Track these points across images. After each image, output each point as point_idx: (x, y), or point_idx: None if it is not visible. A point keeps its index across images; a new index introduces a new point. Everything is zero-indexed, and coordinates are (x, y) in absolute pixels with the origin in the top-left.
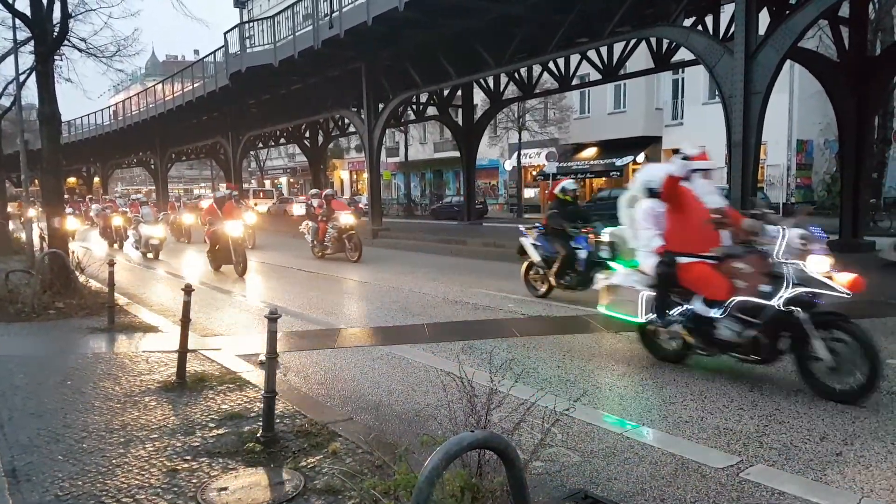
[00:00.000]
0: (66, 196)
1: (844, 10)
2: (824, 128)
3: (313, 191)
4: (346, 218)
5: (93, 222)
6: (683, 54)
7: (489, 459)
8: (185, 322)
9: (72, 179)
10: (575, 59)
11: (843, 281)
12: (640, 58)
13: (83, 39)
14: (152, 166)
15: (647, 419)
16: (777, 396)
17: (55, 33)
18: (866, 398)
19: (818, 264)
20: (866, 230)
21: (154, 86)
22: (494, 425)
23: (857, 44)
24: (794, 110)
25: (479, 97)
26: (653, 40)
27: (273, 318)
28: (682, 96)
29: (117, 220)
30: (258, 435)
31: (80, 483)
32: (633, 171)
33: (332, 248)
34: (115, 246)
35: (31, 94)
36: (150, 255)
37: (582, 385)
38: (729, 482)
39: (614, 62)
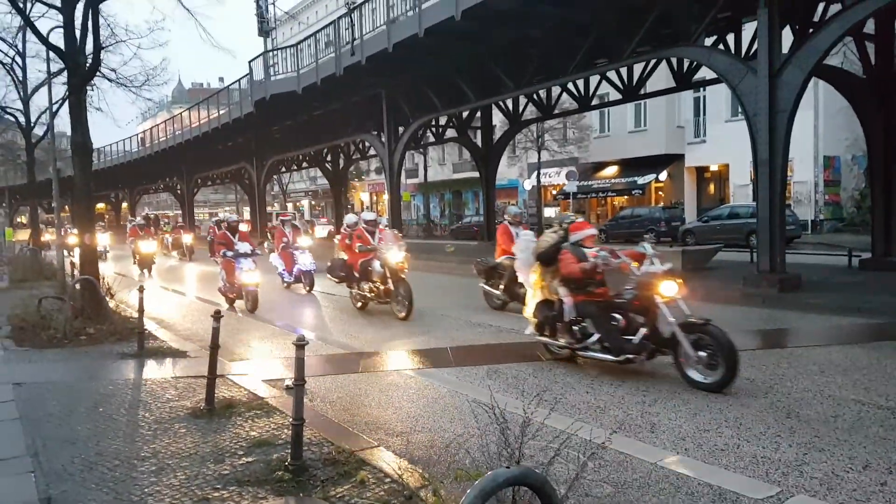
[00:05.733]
0: (141, 222)
1: (869, 27)
2: (851, 143)
3: (352, 217)
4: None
5: (182, 251)
6: (705, 72)
7: (524, 494)
8: (215, 348)
9: (100, 205)
10: (594, 79)
11: None
12: (661, 77)
13: (113, 70)
14: (179, 191)
15: (682, 448)
16: (816, 423)
17: (87, 65)
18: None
19: None
20: None
21: (181, 113)
22: (527, 457)
23: (882, 60)
24: (820, 126)
25: (498, 118)
26: (673, 59)
27: (300, 344)
28: (704, 114)
29: (305, 244)
30: (286, 463)
31: None
32: (656, 189)
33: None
34: (306, 289)
35: (62, 122)
36: (400, 313)
37: (613, 412)
38: None
39: (634, 82)
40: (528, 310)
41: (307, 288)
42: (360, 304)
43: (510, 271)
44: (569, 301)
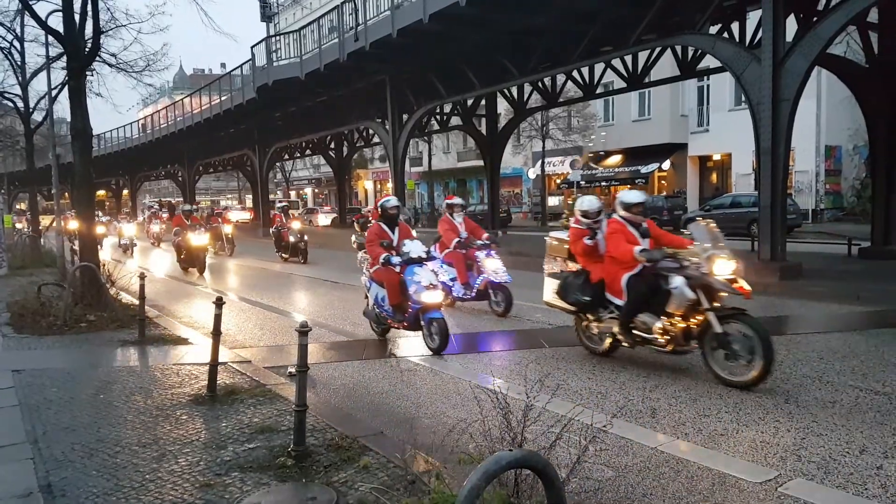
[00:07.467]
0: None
1: (873, 16)
2: (853, 133)
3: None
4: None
5: (221, 245)
6: (709, 61)
7: (526, 477)
8: (217, 335)
9: (101, 192)
10: (599, 67)
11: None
12: (666, 65)
13: (113, 55)
14: (180, 178)
15: (682, 432)
16: (814, 408)
17: (87, 49)
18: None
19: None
20: None
21: (182, 99)
22: (529, 441)
23: (886, 48)
24: (822, 116)
25: (502, 106)
26: (678, 48)
27: (304, 331)
28: (708, 103)
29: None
30: (289, 449)
31: (114, 499)
32: (659, 178)
33: None
34: (497, 312)
35: (61, 108)
36: (741, 376)
37: (614, 398)
38: (767, 497)
39: (639, 70)
40: None
41: (499, 309)
42: (604, 347)
43: None
44: None
